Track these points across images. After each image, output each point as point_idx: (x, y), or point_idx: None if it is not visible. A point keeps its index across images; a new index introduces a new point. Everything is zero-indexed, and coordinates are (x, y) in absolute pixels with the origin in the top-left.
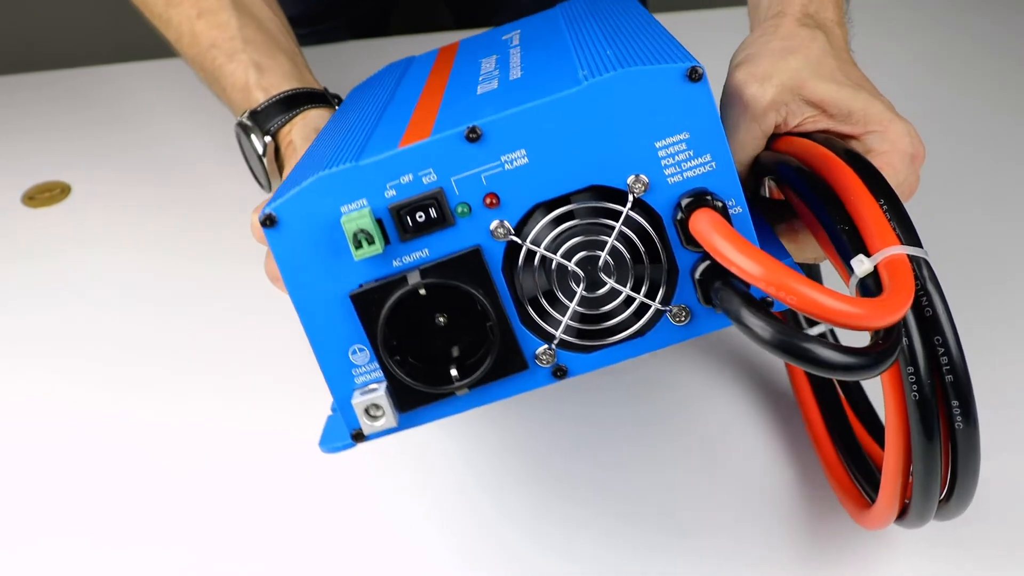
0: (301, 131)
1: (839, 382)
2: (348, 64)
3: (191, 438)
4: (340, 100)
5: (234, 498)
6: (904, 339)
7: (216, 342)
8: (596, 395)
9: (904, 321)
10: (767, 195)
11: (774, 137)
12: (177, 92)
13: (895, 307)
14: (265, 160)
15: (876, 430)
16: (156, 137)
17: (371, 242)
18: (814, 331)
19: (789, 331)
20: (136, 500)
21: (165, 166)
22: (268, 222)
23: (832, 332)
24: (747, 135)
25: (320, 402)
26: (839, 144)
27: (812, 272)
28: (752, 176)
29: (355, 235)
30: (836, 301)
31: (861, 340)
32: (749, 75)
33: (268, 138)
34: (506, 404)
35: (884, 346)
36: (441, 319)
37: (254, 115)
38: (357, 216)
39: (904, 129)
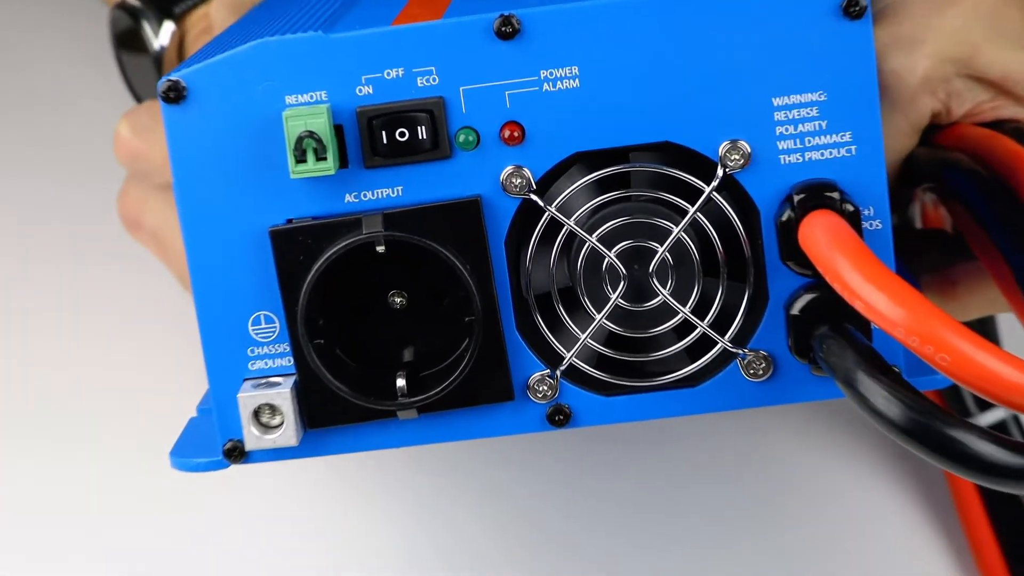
0: (224, 12)
1: None
2: None
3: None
4: None
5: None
6: None
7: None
8: (645, 457)
9: None
10: (915, 219)
11: (931, 130)
12: None
13: None
14: (165, 60)
15: None
16: None
17: (321, 156)
18: (985, 418)
19: (930, 411)
20: None
21: None
22: (172, 94)
23: (1018, 422)
24: (889, 128)
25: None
26: None
27: (985, 327)
28: (898, 185)
29: (299, 141)
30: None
31: None
32: (890, 38)
33: (171, 24)
34: (485, 450)
35: None
36: (398, 300)
37: None
38: (308, 113)
39: None
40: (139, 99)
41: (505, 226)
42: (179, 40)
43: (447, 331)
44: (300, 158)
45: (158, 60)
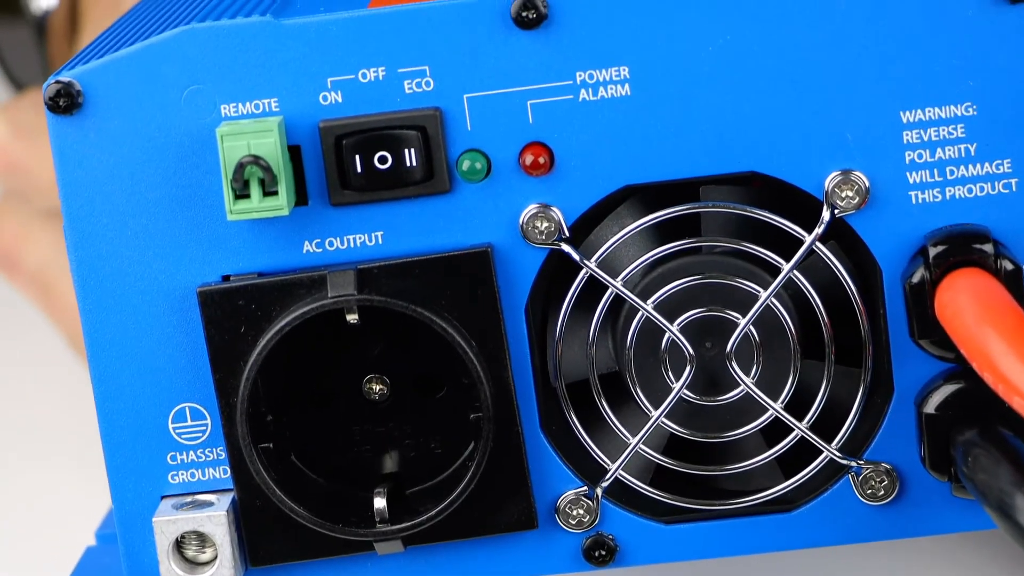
0: None
1: None
2: None
3: None
4: None
5: None
6: None
7: None
8: None
9: None
10: None
11: None
12: None
13: None
14: (50, 27)
15: None
16: None
17: (270, 190)
18: None
19: None
20: None
21: None
22: (62, 101)
23: None
24: None
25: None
26: None
27: None
28: None
29: (239, 169)
30: None
31: None
32: None
33: None
34: None
35: None
36: (377, 388)
37: None
38: (252, 130)
39: None
40: (17, 84)
41: (526, 288)
42: (69, 4)
43: (444, 432)
44: (241, 192)
45: (40, 27)
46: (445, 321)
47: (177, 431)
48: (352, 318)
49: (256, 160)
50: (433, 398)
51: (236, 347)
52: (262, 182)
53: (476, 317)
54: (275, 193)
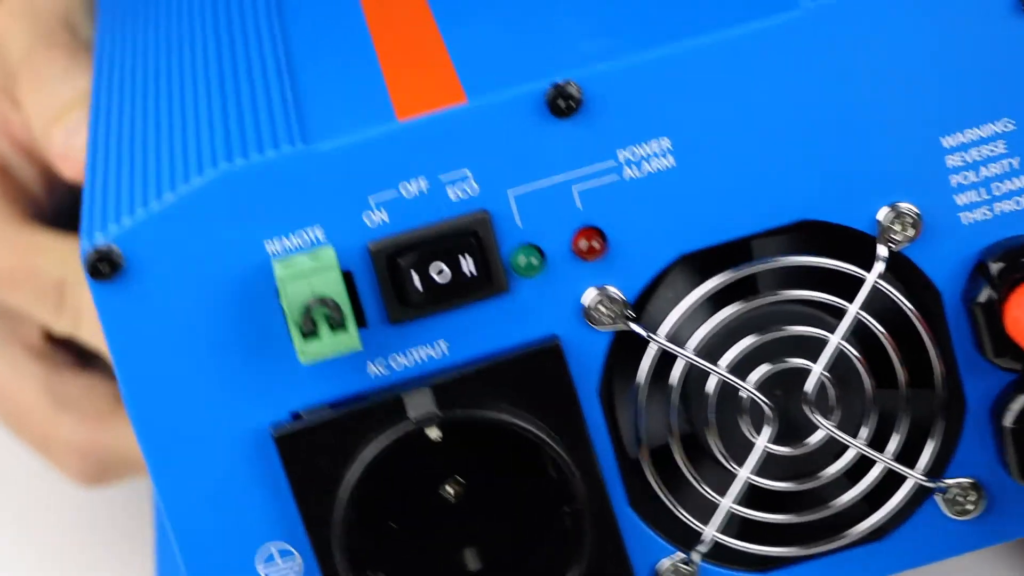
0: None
1: None
2: None
3: None
4: None
5: None
6: None
7: None
8: None
9: None
10: None
11: None
12: None
13: None
14: None
15: None
16: None
17: (337, 324)
18: None
19: None
20: None
21: None
22: (104, 267)
23: None
24: None
25: None
26: None
27: None
28: None
29: (306, 312)
30: None
31: None
32: None
33: None
34: None
35: None
36: (455, 488)
37: None
38: (312, 267)
39: None
40: None
41: (596, 371)
42: None
43: (527, 524)
44: (309, 331)
45: None
46: (526, 421)
47: (263, 570)
48: (435, 435)
49: (324, 302)
50: (513, 492)
51: (320, 482)
52: (330, 319)
53: (555, 410)
54: (343, 327)
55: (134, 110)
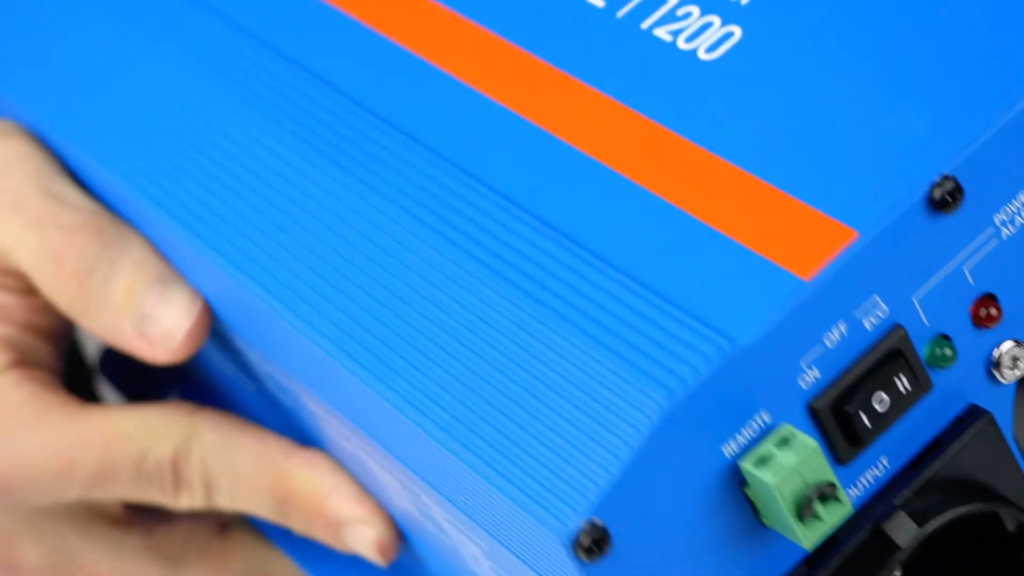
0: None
1: None
2: None
3: None
4: None
5: None
6: None
7: None
8: None
9: None
10: None
11: None
12: None
13: None
14: None
15: None
16: None
17: (830, 496)
18: None
19: None
20: None
21: None
22: (596, 547)
23: None
24: None
25: None
26: None
27: None
28: None
29: (807, 503)
30: None
31: None
32: None
33: None
34: None
35: None
36: None
37: None
38: (797, 461)
39: None
40: None
41: (1008, 423)
42: None
43: None
44: (808, 512)
45: None
46: (989, 499)
47: None
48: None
49: (821, 488)
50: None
51: None
52: (824, 496)
53: (1004, 479)
54: (836, 498)
55: None
